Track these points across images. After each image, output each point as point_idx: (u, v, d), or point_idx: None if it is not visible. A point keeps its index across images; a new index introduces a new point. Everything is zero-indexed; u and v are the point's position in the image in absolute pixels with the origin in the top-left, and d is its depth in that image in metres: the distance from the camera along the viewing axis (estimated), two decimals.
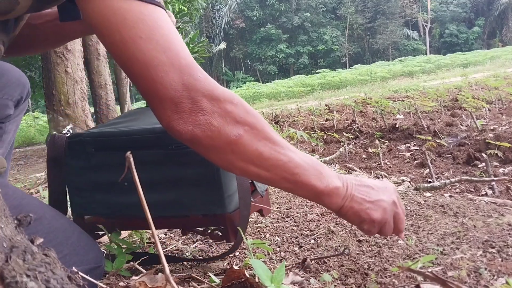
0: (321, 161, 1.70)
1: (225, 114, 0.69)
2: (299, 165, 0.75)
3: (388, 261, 0.99)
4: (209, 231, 1.01)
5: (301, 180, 0.76)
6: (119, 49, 0.67)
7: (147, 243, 1.22)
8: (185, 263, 1.08)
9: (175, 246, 1.23)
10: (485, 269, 0.87)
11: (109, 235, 1.02)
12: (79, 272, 0.49)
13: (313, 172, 0.77)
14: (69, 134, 1.02)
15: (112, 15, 0.66)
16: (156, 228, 1.13)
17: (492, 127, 3.31)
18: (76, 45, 3.63)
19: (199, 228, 1.03)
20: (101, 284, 0.65)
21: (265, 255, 1.05)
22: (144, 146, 0.97)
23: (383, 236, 0.90)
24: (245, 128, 0.71)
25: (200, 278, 0.91)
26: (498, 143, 2.48)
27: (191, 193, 0.97)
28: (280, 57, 40.00)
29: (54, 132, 1.03)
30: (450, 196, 1.62)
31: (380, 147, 3.10)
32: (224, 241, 1.00)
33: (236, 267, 0.81)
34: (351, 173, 2.36)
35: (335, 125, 4.89)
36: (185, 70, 0.67)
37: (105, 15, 0.66)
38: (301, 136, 3.34)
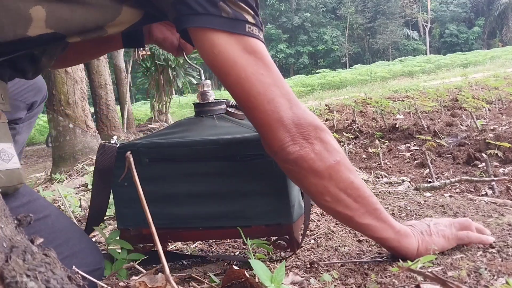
0: None
1: (325, 141, 0.78)
2: (378, 202, 0.82)
3: (389, 262, 0.99)
4: (272, 241, 1.00)
5: (381, 217, 0.82)
6: (243, 85, 0.75)
7: None
8: (184, 262, 1.08)
9: (175, 246, 1.23)
10: (485, 269, 0.87)
11: (106, 236, 1.02)
12: (79, 272, 0.49)
13: (387, 213, 0.84)
14: (118, 145, 0.99)
15: (237, 58, 0.74)
16: (218, 239, 1.11)
17: (492, 127, 3.31)
18: None
19: (261, 238, 1.01)
20: (101, 284, 0.65)
21: (265, 255, 1.05)
22: (205, 157, 0.96)
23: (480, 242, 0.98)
24: (340, 156, 0.79)
25: (200, 278, 0.91)
26: (498, 143, 2.47)
27: (256, 203, 0.97)
28: (280, 57, 39.99)
29: (104, 142, 1.00)
30: (450, 196, 1.62)
31: (380, 147, 3.10)
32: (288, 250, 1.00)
33: (236, 267, 0.81)
34: None
35: (335, 125, 4.89)
36: (293, 102, 0.78)
37: (229, 59, 0.74)
38: None
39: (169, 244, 1.22)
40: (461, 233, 0.92)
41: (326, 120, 5.74)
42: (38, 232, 0.78)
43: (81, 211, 1.75)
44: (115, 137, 1.04)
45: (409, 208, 1.41)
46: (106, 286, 0.66)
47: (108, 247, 1.03)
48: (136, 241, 1.02)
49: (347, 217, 0.83)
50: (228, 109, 1.05)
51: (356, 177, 0.80)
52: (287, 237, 0.98)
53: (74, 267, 0.58)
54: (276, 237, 0.99)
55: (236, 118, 1.03)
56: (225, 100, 1.07)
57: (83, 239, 0.88)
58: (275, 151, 0.79)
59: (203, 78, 1.09)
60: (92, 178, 1.03)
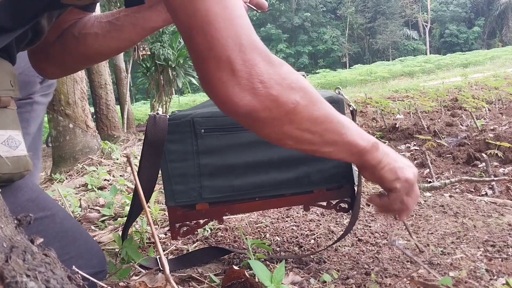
0: None
1: (281, 80, 0.62)
2: (345, 125, 0.72)
3: (389, 262, 0.99)
4: (333, 205, 1.01)
5: (347, 141, 0.72)
6: (183, 3, 0.59)
7: (147, 243, 1.22)
8: None
9: (175, 246, 1.23)
10: (485, 269, 0.87)
11: (120, 242, 1.00)
12: (80, 272, 0.49)
13: (356, 131, 0.74)
14: (169, 116, 0.95)
15: None
16: (282, 206, 1.07)
17: (492, 127, 3.31)
18: None
19: (322, 203, 1.01)
20: (101, 284, 0.65)
21: (265, 255, 1.05)
22: None
23: (407, 210, 0.83)
24: (300, 94, 0.64)
25: (200, 278, 0.91)
26: (498, 143, 2.47)
27: (319, 167, 0.97)
28: (280, 57, 39.51)
29: (154, 113, 0.95)
30: (450, 196, 1.62)
31: None
32: (350, 212, 1.02)
33: (236, 267, 0.81)
34: None
35: None
36: (243, 29, 0.60)
37: None
38: None
39: (224, 218, 1.12)
40: (413, 205, 0.83)
41: None
42: (46, 230, 0.77)
43: (81, 211, 1.75)
44: (160, 109, 0.99)
45: None
46: (106, 286, 0.66)
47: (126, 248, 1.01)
48: (186, 218, 0.99)
49: (311, 151, 0.74)
50: None
51: (320, 108, 0.68)
52: (349, 199, 0.99)
53: (74, 267, 0.58)
54: (338, 200, 1.00)
55: None
56: None
57: (88, 240, 0.87)
58: (218, 100, 0.62)
59: None
60: (141, 152, 0.96)
